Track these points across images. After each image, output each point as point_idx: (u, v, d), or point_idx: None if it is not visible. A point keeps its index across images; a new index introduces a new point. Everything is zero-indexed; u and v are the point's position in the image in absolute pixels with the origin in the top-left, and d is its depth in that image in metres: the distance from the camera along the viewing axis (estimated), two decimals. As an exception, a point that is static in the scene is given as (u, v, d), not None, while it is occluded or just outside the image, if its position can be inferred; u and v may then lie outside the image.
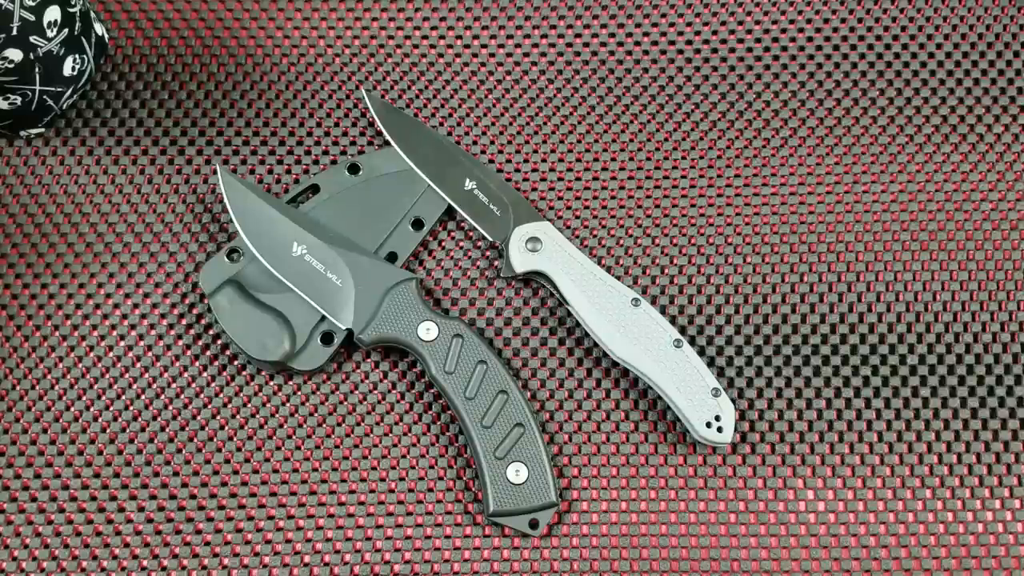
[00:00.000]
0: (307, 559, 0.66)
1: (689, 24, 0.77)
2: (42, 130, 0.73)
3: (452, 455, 0.67)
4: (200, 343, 0.70)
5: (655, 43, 0.77)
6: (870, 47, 0.77)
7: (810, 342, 0.69)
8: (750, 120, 0.75)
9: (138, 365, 0.69)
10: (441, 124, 0.75)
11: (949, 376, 0.69)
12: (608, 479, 0.67)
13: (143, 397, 0.68)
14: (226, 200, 0.70)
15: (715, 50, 0.77)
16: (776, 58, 0.76)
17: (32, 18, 0.65)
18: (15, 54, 0.66)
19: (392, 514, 0.66)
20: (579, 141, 0.74)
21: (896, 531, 0.66)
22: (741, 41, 0.77)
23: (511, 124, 0.75)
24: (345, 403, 0.69)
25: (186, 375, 0.69)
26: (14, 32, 0.65)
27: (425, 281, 0.71)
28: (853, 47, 0.77)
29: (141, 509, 0.66)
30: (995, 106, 0.75)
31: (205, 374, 0.69)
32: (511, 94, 0.76)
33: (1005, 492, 0.67)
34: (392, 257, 0.71)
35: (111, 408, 0.68)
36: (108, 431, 0.68)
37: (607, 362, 0.69)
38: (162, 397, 0.68)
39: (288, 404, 0.68)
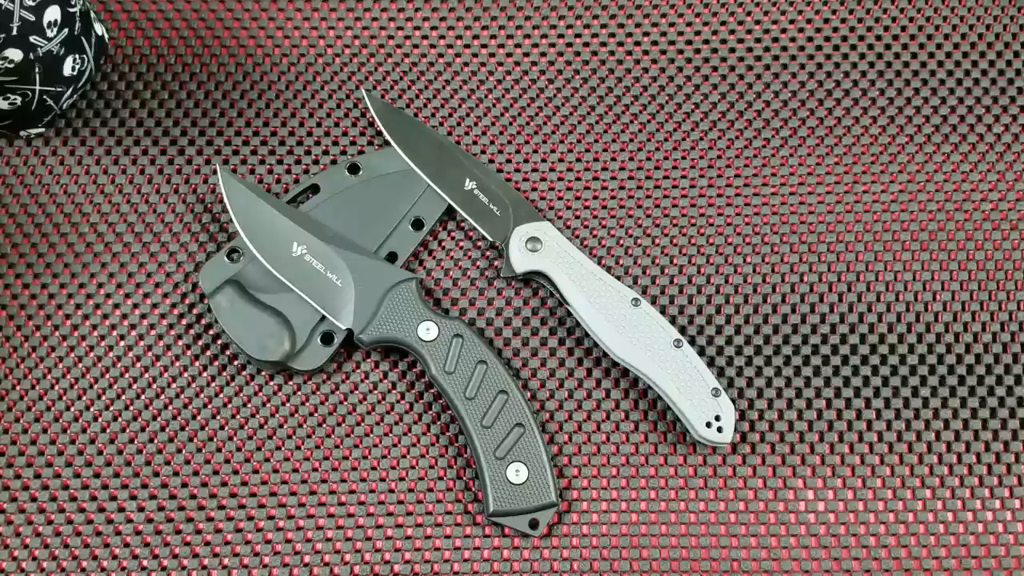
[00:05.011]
0: (307, 559, 0.66)
1: (689, 24, 0.77)
2: (42, 130, 0.73)
3: (452, 455, 0.67)
4: (200, 343, 0.70)
5: (655, 43, 0.77)
6: (870, 47, 0.77)
7: (810, 342, 0.69)
8: (750, 120, 0.75)
9: (138, 365, 0.69)
10: (441, 124, 0.75)
11: (949, 376, 0.69)
12: (608, 479, 0.67)
13: (143, 397, 0.68)
14: (226, 200, 0.70)
15: (715, 50, 0.77)
16: (776, 58, 0.76)
17: (32, 18, 0.65)
18: (15, 54, 0.66)
19: (392, 514, 0.66)
20: (579, 141, 0.74)
21: (896, 531, 0.66)
22: (741, 41, 0.77)
23: (511, 124, 0.75)
24: (345, 403, 0.69)
25: (186, 375, 0.69)
26: (14, 32, 0.65)
27: (425, 281, 0.71)
28: (853, 47, 0.77)
29: (141, 509, 0.66)
30: (995, 106, 0.75)
31: (205, 374, 0.69)
32: (511, 94, 0.76)
33: (1005, 492, 0.67)
34: (392, 257, 0.71)
35: (111, 408, 0.68)
36: (108, 431, 0.68)
37: (607, 362, 0.69)
38: (162, 397, 0.68)
39: (288, 404, 0.68)
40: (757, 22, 0.77)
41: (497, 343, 0.70)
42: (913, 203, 0.73)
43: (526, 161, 0.74)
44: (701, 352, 0.69)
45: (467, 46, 0.77)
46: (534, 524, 0.65)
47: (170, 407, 0.68)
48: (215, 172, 0.73)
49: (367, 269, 0.69)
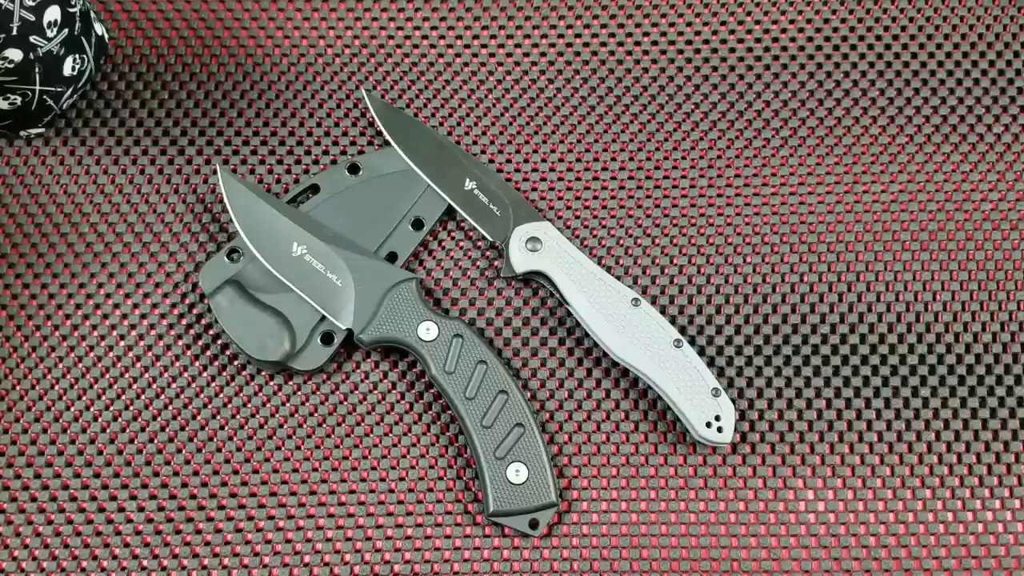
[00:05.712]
0: (307, 559, 0.66)
1: (689, 24, 0.77)
2: (42, 130, 0.73)
3: (452, 455, 0.67)
4: (200, 343, 0.70)
5: (655, 43, 0.77)
6: (870, 47, 0.77)
7: (810, 342, 0.69)
8: (750, 120, 0.75)
9: (138, 365, 0.69)
10: (441, 124, 0.75)
11: (949, 376, 0.69)
12: (608, 479, 0.67)
13: (143, 397, 0.68)
14: (226, 200, 0.70)
15: (715, 50, 0.77)
16: (776, 58, 0.76)
17: (32, 18, 0.65)
18: (15, 54, 0.66)
19: (392, 514, 0.66)
20: (579, 141, 0.74)
21: (896, 531, 0.66)
22: (741, 41, 0.77)
23: (511, 124, 0.75)
24: (345, 403, 0.69)
25: (186, 375, 0.69)
26: (14, 32, 0.65)
27: (425, 281, 0.71)
28: (853, 47, 0.77)
29: (141, 509, 0.66)
30: (995, 106, 0.75)
31: (205, 374, 0.69)
32: (511, 94, 0.76)
33: (1005, 492, 0.67)
34: (392, 257, 0.71)
35: (111, 408, 0.68)
36: (108, 431, 0.68)
37: (607, 362, 0.69)
38: (162, 397, 0.68)
39: (288, 404, 0.68)
40: (757, 22, 0.77)
41: (497, 343, 0.70)
42: (913, 203, 0.73)
43: (526, 161, 0.74)
44: (701, 352, 0.69)
45: (467, 46, 0.77)
46: (534, 524, 0.65)
47: (170, 407, 0.68)
48: (215, 172, 0.73)
49: (367, 269, 0.69)
